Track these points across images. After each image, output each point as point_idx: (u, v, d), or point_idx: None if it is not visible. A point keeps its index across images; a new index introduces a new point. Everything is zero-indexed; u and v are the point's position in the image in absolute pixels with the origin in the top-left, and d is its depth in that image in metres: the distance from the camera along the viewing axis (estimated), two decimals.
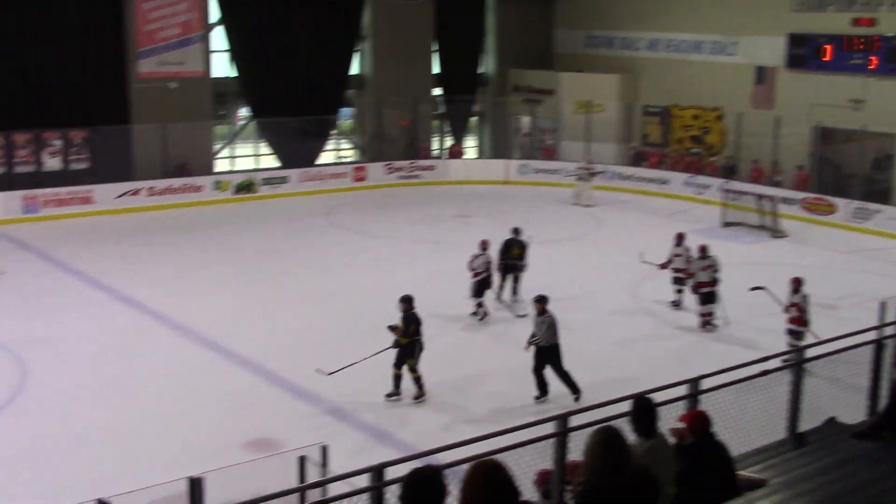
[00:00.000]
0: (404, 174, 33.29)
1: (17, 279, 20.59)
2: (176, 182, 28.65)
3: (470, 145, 38.00)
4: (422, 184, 33.11)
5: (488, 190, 32.42)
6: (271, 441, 12.69)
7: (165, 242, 24.24)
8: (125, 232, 25.33)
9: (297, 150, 32.07)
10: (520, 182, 33.31)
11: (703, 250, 18.00)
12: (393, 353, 14.22)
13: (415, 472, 4.29)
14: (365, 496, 6.40)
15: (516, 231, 19.39)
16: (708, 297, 17.73)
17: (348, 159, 34.99)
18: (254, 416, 13.60)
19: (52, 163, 27.60)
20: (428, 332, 14.59)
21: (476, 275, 18.35)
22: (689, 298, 18.54)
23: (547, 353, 14.24)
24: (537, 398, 14.25)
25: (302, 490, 7.23)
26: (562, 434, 7.43)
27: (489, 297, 18.54)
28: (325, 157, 33.96)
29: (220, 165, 31.74)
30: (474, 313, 18.16)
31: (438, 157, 35.25)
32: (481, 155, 37.63)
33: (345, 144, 35.50)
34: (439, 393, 14.49)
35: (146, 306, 18.58)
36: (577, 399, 14.02)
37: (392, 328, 14.25)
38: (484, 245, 18.69)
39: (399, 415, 13.76)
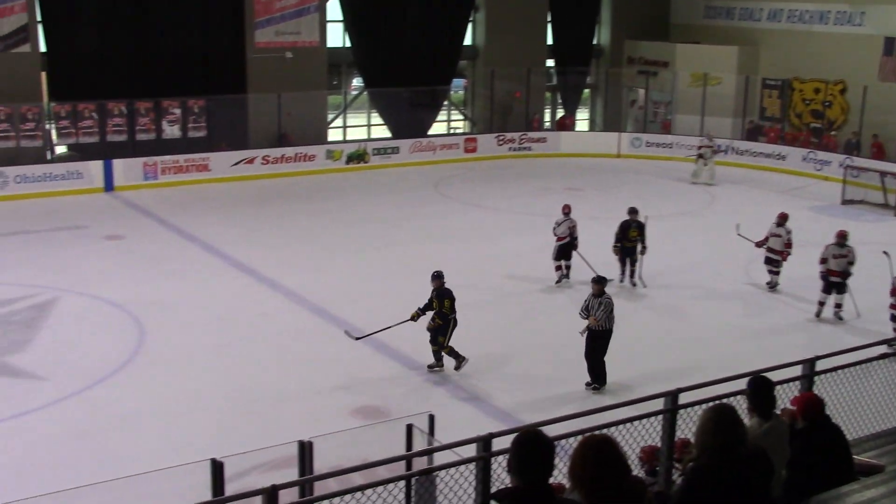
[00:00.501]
0: (515, 146, 33.14)
1: (136, 243, 21.22)
2: (289, 151, 29.09)
3: (582, 117, 37.60)
4: (532, 156, 32.92)
5: (599, 163, 32.06)
6: (378, 409, 12.83)
7: (278, 211, 24.66)
8: (240, 199, 25.86)
9: (409, 121, 32.21)
10: (631, 155, 32.85)
11: (842, 237, 16.76)
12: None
13: (523, 435, 4.25)
14: (471, 466, 6.41)
15: (633, 211, 18.50)
16: (837, 286, 16.62)
17: (459, 130, 35.01)
18: (361, 384, 13.75)
19: (171, 130, 28.30)
20: (533, 304, 14.54)
21: (559, 239, 18.48)
22: (784, 282, 18.08)
23: (599, 337, 13.60)
24: (591, 386, 13.68)
25: (408, 458, 7.26)
26: (671, 411, 7.31)
27: (574, 261, 18.52)
28: (437, 128, 34.03)
29: (333, 135, 32.10)
30: (558, 280, 18.46)
31: (550, 129, 34.97)
32: (593, 127, 37.21)
33: (456, 115, 35.50)
34: (551, 365, 14.46)
35: (259, 273, 18.94)
36: (595, 389, 13.58)
37: (419, 312, 14.25)
38: (566, 210, 18.66)
39: (506, 387, 13.73)
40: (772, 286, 18.28)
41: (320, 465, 7.54)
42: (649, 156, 32.55)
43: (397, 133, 32.07)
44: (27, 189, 25.31)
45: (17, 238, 21.53)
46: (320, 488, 7.21)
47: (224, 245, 20.93)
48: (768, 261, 18.25)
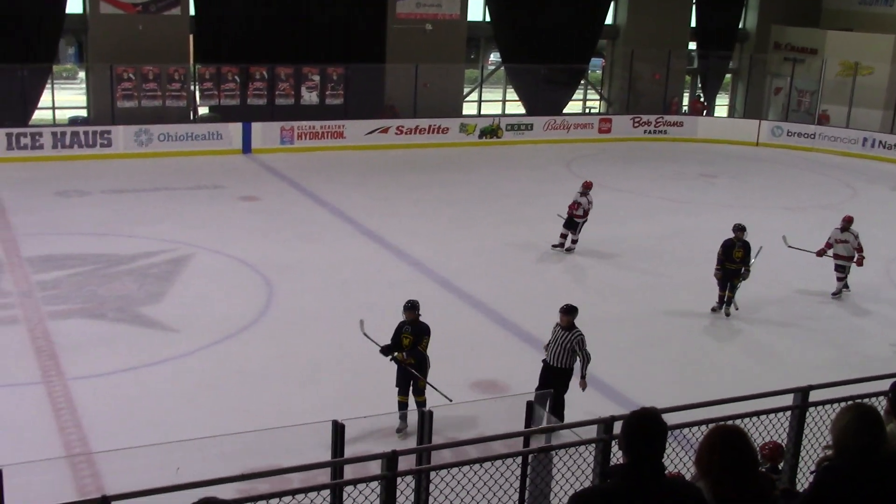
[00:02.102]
0: (651, 129, 32.58)
1: (270, 205, 21.70)
2: (423, 122, 29.23)
3: (721, 103, 36.69)
4: (668, 139, 32.32)
5: (737, 151, 31.26)
6: (498, 384, 12.81)
7: (410, 181, 24.85)
8: (373, 168, 26.15)
9: (544, 98, 31.98)
10: (772, 144, 31.92)
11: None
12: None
13: (636, 413, 4.16)
14: (590, 447, 6.32)
15: (740, 229, 15.89)
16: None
17: (594, 110, 34.59)
18: (482, 357, 13.75)
19: (309, 97, 28.77)
20: (663, 288, 14.19)
21: (575, 216, 18.56)
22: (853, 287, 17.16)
23: (557, 376, 11.44)
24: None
25: (527, 434, 7.21)
26: (801, 408, 7.06)
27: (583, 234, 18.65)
28: (571, 107, 33.70)
29: (467, 109, 32.11)
30: (561, 245, 18.79)
31: (687, 114, 34.23)
32: (732, 114, 36.27)
33: (592, 95, 35.08)
34: (679, 351, 14.22)
35: (387, 241, 19.12)
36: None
37: (397, 358, 11.46)
38: (586, 187, 18.34)
39: (628, 372, 13.54)
40: (836, 294, 17.02)
41: (439, 434, 7.55)
42: (790, 146, 31.56)
43: (532, 110, 31.89)
44: (170, 147, 26.14)
45: (159, 194, 22.27)
46: (436, 458, 7.25)
47: (354, 212, 21.20)
48: (839, 268, 17.02)
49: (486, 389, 12.55)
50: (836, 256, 17.00)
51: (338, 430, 6.66)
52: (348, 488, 5.73)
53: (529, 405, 7.59)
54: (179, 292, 15.81)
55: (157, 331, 14.15)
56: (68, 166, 24.62)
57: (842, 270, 17.03)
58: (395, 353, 11.39)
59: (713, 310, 15.89)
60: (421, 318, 11.55)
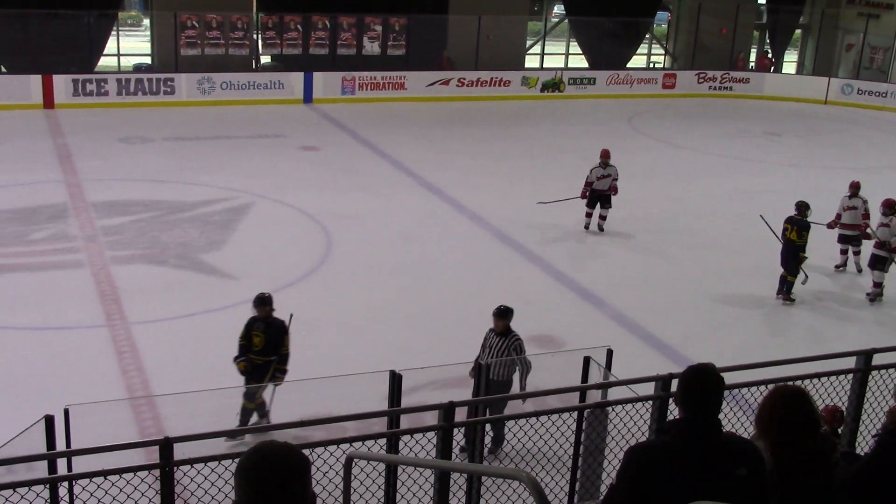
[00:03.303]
0: (716, 85, 32.02)
1: (330, 156, 21.76)
2: (485, 75, 29.03)
3: (789, 59, 35.90)
4: (733, 96, 31.76)
5: (804, 108, 30.62)
6: (553, 339, 12.78)
7: (470, 133, 24.74)
8: (433, 120, 26.07)
9: (608, 52, 31.55)
10: (841, 103, 31.19)
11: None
12: None
13: (693, 368, 4.11)
14: (647, 404, 6.29)
15: (802, 207, 14.37)
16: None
17: (659, 65, 34.07)
18: (538, 311, 13.69)
19: (371, 47, 28.69)
20: (730, 252, 13.93)
21: (593, 191, 17.11)
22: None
23: (495, 388, 9.36)
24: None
25: (584, 390, 7.19)
26: (864, 371, 6.95)
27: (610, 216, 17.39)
28: (635, 62, 33.22)
29: (530, 62, 31.81)
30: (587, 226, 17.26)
31: (754, 70, 33.55)
32: (801, 71, 35.48)
33: (657, 49, 34.53)
34: (741, 314, 14.07)
35: (446, 194, 19.10)
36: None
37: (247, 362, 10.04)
38: (605, 156, 17.30)
39: (686, 332, 13.43)
40: (839, 267, 15.88)
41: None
42: (860, 104, 30.83)
43: (595, 64, 31.49)
44: (232, 96, 26.29)
45: (220, 142, 22.45)
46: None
47: (414, 164, 21.18)
48: (844, 239, 15.79)
49: (542, 344, 12.52)
50: (841, 226, 15.76)
51: (395, 380, 6.69)
52: (405, 437, 5.77)
53: (586, 360, 7.56)
54: (239, 240, 15.96)
55: (217, 278, 14.32)
56: (132, 113, 24.89)
57: (849, 241, 15.78)
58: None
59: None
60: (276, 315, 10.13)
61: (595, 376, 7.54)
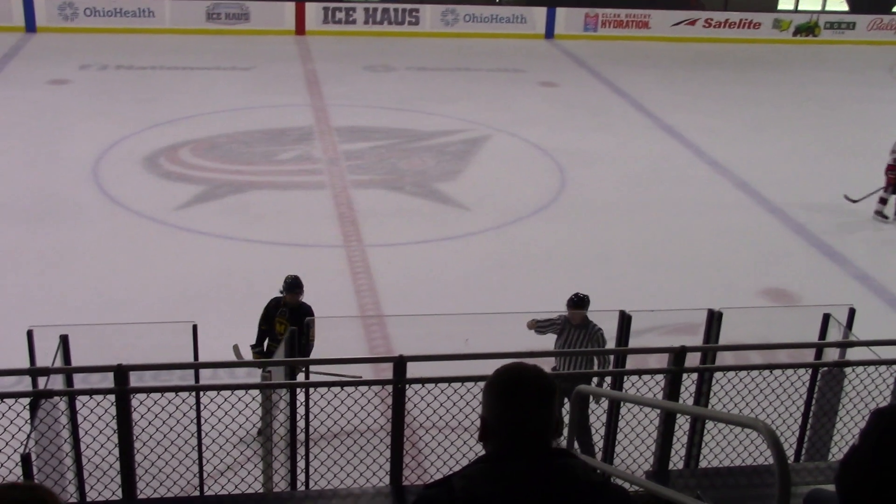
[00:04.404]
0: None
1: (568, 93, 21.59)
2: (734, 16, 27.90)
3: None
4: None
5: None
6: (788, 293, 12.28)
7: (715, 76, 23.92)
8: (676, 61, 25.35)
9: None
10: None
11: None
12: None
13: None
14: (891, 368, 5.96)
15: None
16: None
17: None
18: (773, 264, 13.20)
19: None
20: None
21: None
22: None
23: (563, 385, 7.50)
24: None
25: (821, 347, 6.87)
26: None
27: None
28: None
29: (783, 3, 30.27)
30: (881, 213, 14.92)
31: None
32: None
33: None
34: None
35: (685, 138, 18.58)
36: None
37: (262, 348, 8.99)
38: None
39: None
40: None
41: (727, 336, 7.33)
42: None
43: (855, 7, 29.59)
44: (474, 28, 26.47)
45: (461, 74, 22.70)
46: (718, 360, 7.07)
47: (654, 105, 20.71)
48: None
49: (776, 298, 12.07)
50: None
51: (624, 320, 6.62)
52: (633, 378, 5.71)
53: (826, 317, 7.21)
54: (474, 172, 16.15)
55: (451, 207, 14.57)
56: (377, 42, 25.54)
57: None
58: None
59: None
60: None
61: (834, 335, 7.18)
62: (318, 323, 7.01)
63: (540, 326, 8.65)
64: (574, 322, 8.50)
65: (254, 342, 8.88)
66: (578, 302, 8.52)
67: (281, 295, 8.81)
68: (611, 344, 6.87)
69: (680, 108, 20.55)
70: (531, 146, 17.52)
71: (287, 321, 8.56)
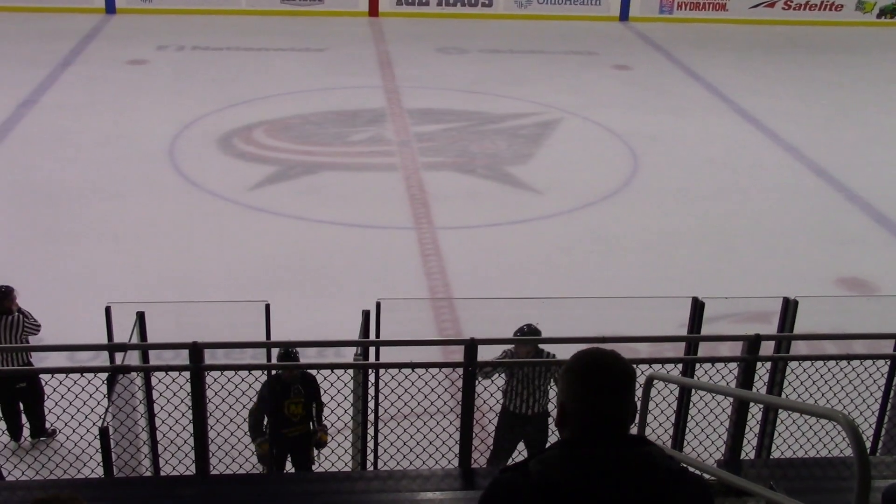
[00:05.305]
0: None
1: (642, 76, 21.33)
2: None
3: None
4: None
5: None
6: (866, 283, 12.02)
7: (794, 60, 23.41)
8: (755, 44, 24.86)
9: None
10: None
11: None
12: None
13: None
14: None
15: None
16: None
17: None
18: (852, 253, 12.92)
19: None
20: None
21: None
22: None
23: (520, 423, 7.54)
24: None
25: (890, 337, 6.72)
26: None
27: None
28: None
29: None
30: None
31: None
32: None
33: None
34: None
35: (762, 123, 18.25)
36: None
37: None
38: None
39: None
40: None
41: (802, 326, 7.21)
42: None
43: None
44: (548, 10, 26.28)
45: (534, 57, 22.56)
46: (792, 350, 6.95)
47: (729, 89, 20.36)
48: None
49: (852, 287, 11.83)
50: None
51: (697, 307, 6.54)
52: (706, 366, 5.64)
53: None
54: (546, 155, 16.06)
55: (522, 191, 14.52)
56: (450, 24, 25.50)
57: None
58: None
59: None
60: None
61: None
62: (387, 305, 6.92)
63: (486, 373, 6.93)
64: (522, 356, 7.24)
65: (254, 435, 7.22)
66: (530, 334, 7.20)
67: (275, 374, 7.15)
68: (683, 331, 6.79)
69: (757, 93, 20.17)
70: (604, 130, 17.36)
71: (303, 396, 7.21)
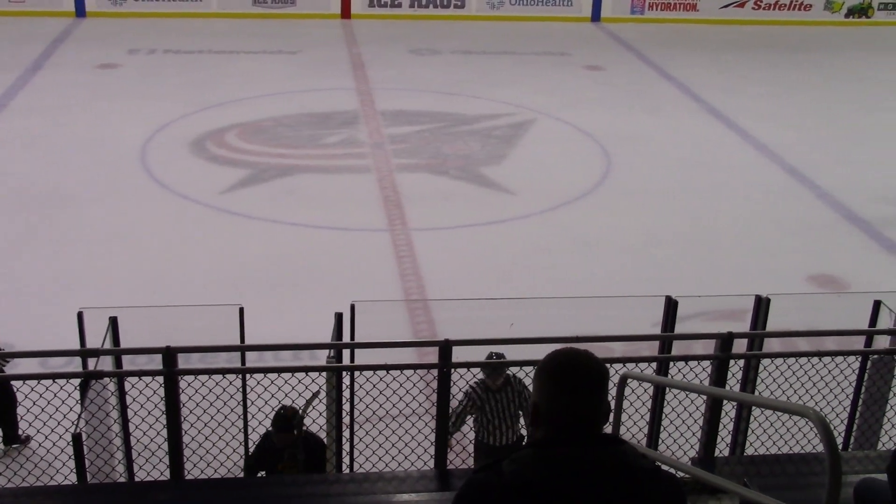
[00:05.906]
0: None
1: (614, 76, 21.42)
2: None
3: None
4: None
5: None
6: (836, 279, 12.12)
7: (764, 59, 23.56)
8: (725, 44, 25.03)
9: None
10: None
11: None
12: None
13: None
14: None
15: None
16: None
17: None
18: (824, 251, 13.03)
19: None
20: None
21: None
22: None
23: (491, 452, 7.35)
24: None
25: (871, 334, 6.78)
26: None
27: None
28: None
29: None
30: None
31: None
32: None
33: None
34: None
35: (733, 121, 18.37)
36: None
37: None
38: None
39: None
40: None
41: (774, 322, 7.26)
42: None
43: None
44: (520, 12, 26.36)
45: (506, 58, 22.61)
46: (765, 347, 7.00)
47: (701, 88, 20.48)
48: None
49: (823, 284, 11.93)
50: None
51: (670, 305, 6.57)
52: (679, 364, 5.67)
53: (876, 304, 7.11)
54: (519, 156, 16.09)
55: (496, 191, 14.54)
56: (422, 25, 25.51)
57: None
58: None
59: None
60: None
61: (884, 322, 7.07)
62: (362, 308, 6.92)
63: (454, 424, 7.01)
64: (495, 386, 7.24)
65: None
66: (497, 363, 6.90)
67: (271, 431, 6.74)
68: (657, 330, 6.82)
69: (728, 92, 20.30)
70: (577, 130, 17.42)
71: (296, 464, 6.62)
